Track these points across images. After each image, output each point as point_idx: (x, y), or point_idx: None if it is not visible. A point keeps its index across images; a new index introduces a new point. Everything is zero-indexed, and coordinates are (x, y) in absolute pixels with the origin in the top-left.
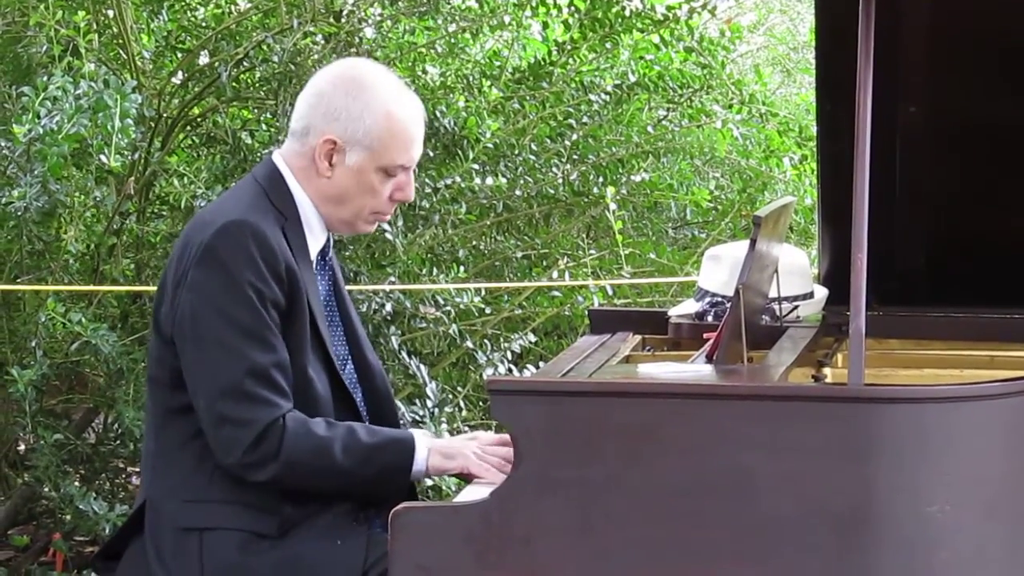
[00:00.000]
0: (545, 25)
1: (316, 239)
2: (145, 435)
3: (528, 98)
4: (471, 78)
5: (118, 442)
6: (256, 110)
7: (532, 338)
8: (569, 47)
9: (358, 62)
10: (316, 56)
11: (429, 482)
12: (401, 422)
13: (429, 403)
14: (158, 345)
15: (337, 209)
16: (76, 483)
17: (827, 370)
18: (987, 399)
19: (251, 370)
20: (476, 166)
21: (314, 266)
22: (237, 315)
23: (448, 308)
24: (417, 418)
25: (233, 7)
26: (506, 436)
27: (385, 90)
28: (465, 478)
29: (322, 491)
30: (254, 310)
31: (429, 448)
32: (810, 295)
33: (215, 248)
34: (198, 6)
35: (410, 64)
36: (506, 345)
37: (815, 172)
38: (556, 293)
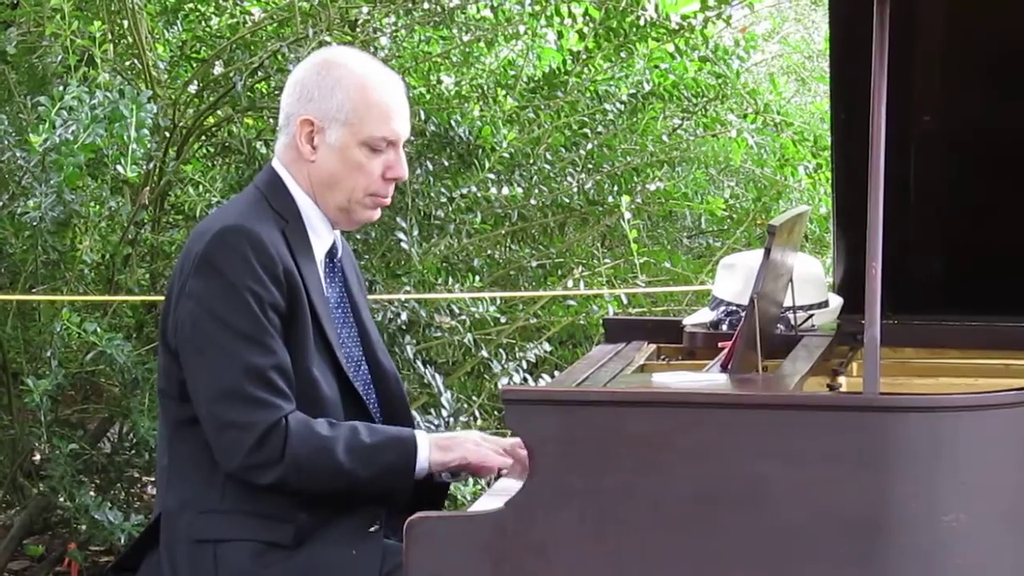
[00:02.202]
0: (560, 34)
1: (321, 240)
2: (158, 448)
3: (543, 107)
4: (486, 87)
5: (133, 452)
6: (271, 120)
7: (547, 347)
8: (584, 56)
9: (332, 47)
10: None
11: None
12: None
13: (444, 412)
14: (165, 357)
15: (332, 194)
16: (91, 493)
17: (842, 379)
18: (1002, 408)
19: (250, 373)
20: (491, 176)
21: (321, 268)
22: (234, 320)
23: (463, 317)
24: (432, 428)
25: (247, 17)
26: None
27: (358, 66)
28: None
29: (326, 492)
30: (252, 314)
31: (430, 444)
32: (825, 304)
33: (211, 256)
34: (212, 16)
35: (425, 73)
36: (521, 354)
37: (830, 181)
38: (571, 302)
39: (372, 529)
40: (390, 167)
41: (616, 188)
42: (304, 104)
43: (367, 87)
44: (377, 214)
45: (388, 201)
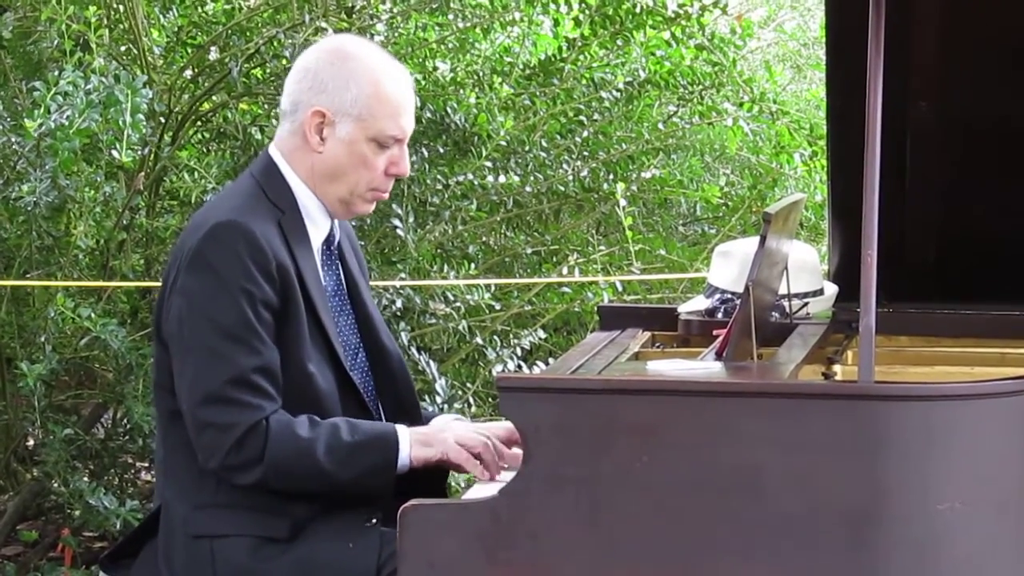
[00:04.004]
0: (556, 22)
1: (319, 229)
2: (155, 439)
3: (539, 95)
4: (481, 74)
5: (127, 437)
6: (266, 106)
7: (542, 334)
8: (580, 43)
9: (342, 36)
10: None
11: None
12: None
13: (438, 399)
14: (159, 349)
15: (333, 186)
16: (85, 478)
17: (837, 367)
18: (998, 397)
19: (233, 375)
20: (487, 163)
21: (318, 256)
22: (222, 319)
23: (458, 304)
24: (426, 414)
25: (243, 3)
26: (508, 424)
27: (371, 59)
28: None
29: (309, 492)
30: (241, 313)
31: (411, 440)
32: (820, 292)
33: (203, 251)
34: (208, 1)
35: (421, 60)
36: (516, 341)
37: (825, 168)
38: (566, 289)
39: (369, 523)
40: (394, 163)
41: (611, 175)
42: (316, 95)
43: (380, 82)
44: (373, 207)
45: (387, 195)
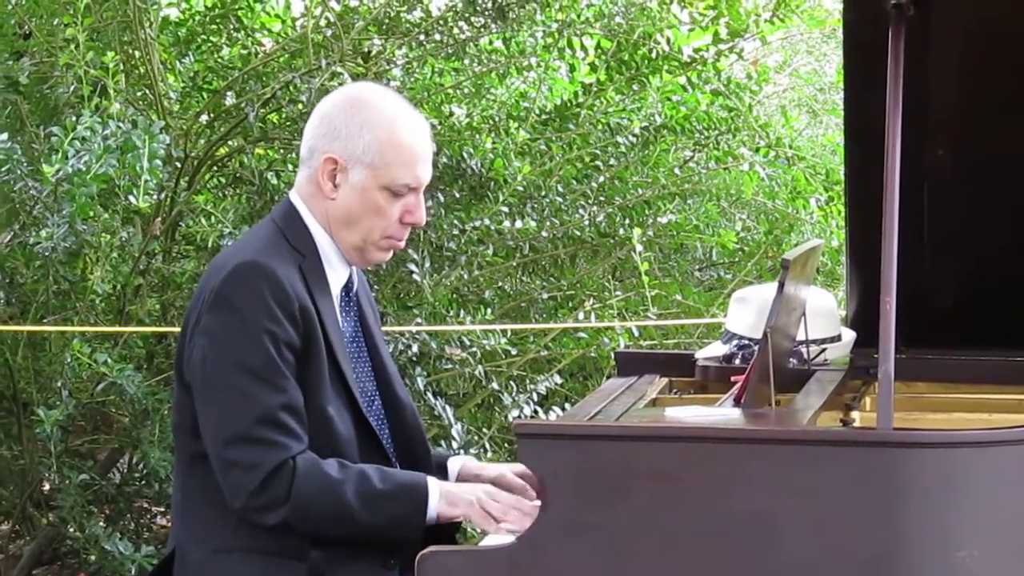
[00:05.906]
0: (572, 67)
1: (338, 275)
2: (173, 482)
3: (555, 139)
4: (498, 119)
5: (143, 482)
6: (282, 150)
7: (558, 379)
8: (596, 88)
9: (362, 84)
10: None
11: None
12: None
13: (455, 444)
14: (180, 392)
15: (348, 233)
16: (101, 523)
17: (855, 414)
18: (1016, 444)
19: (259, 414)
20: (504, 208)
21: (337, 302)
22: (247, 359)
23: (474, 349)
24: (440, 458)
25: (259, 48)
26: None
27: (386, 107)
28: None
29: (333, 536)
30: (265, 353)
31: (440, 494)
32: (838, 338)
33: (226, 292)
34: (224, 46)
35: (437, 105)
36: (532, 386)
37: (842, 214)
38: (582, 334)
39: (387, 570)
40: (409, 211)
41: (627, 220)
42: (330, 141)
43: (395, 131)
44: (389, 255)
45: (402, 244)
